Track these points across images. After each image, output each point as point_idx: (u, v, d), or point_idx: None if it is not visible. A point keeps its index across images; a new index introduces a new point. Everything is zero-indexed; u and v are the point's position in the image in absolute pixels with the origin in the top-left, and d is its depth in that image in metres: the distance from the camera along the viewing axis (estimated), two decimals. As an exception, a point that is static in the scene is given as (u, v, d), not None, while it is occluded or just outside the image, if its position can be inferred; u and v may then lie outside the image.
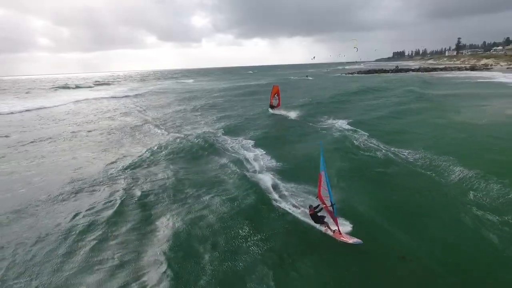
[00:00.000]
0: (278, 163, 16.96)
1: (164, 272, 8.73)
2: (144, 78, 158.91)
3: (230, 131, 25.37)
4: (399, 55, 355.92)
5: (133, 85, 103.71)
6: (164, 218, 11.73)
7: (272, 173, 15.52)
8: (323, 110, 34.34)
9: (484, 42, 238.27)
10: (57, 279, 8.74)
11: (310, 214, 10.30)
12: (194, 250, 9.70)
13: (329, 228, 10.06)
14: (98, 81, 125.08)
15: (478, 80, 65.20)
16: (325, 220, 10.21)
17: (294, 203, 12.26)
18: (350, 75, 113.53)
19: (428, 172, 14.75)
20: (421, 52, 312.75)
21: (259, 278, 8.42)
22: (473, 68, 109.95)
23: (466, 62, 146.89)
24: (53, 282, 8.62)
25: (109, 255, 9.63)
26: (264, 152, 18.96)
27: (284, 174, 15.33)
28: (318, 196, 10.33)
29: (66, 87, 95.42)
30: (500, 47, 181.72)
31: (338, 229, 9.75)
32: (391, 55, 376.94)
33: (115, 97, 61.94)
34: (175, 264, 9.02)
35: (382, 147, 18.93)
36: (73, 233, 10.93)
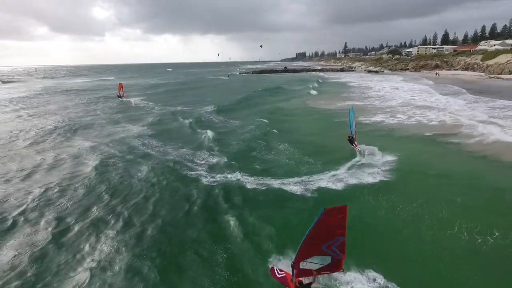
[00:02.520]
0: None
1: None
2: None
3: None
4: (301, 56, 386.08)
5: None
6: None
7: None
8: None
9: (366, 47, 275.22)
10: None
11: None
12: None
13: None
14: None
15: (331, 81, 75.15)
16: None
17: None
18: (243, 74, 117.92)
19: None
20: (319, 53, 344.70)
21: None
22: (342, 70, 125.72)
23: (345, 64, 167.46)
24: None
25: None
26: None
27: None
28: None
29: None
30: (373, 52, 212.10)
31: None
32: (294, 55, 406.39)
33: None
34: None
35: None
36: None
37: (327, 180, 14.37)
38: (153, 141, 22.33)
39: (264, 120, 28.54)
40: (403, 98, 40.39)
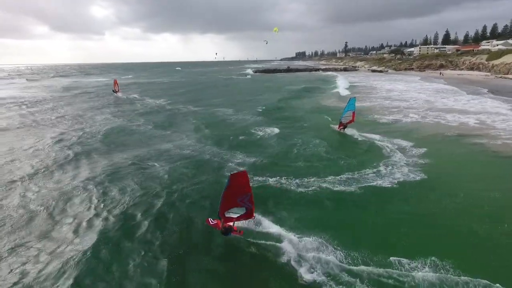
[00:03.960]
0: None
1: None
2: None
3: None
4: (301, 55, 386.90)
5: None
6: None
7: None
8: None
9: (366, 47, 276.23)
10: None
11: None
12: None
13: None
14: None
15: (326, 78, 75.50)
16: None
17: None
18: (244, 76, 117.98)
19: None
20: (319, 53, 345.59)
21: None
22: (345, 69, 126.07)
23: (346, 64, 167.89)
24: None
25: None
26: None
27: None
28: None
29: None
30: (374, 52, 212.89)
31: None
32: (294, 55, 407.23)
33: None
34: None
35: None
36: None
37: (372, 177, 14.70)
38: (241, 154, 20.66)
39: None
40: (432, 99, 38.58)
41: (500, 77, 65.57)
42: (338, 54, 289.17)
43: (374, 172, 15.16)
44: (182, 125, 27.87)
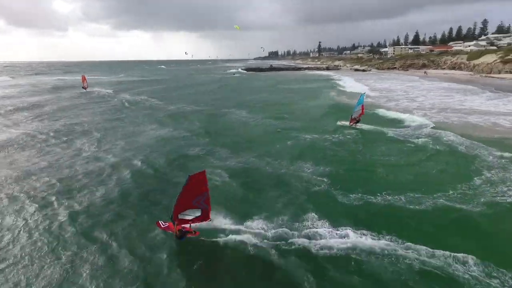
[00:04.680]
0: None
1: None
2: None
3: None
4: (274, 55, 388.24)
5: None
6: None
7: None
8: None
9: (338, 46, 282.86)
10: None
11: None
12: None
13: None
14: None
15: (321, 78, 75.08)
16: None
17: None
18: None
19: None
20: (291, 52, 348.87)
21: None
22: (328, 68, 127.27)
23: (325, 63, 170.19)
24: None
25: None
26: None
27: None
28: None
29: None
30: (348, 51, 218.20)
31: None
32: (267, 54, 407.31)
33: None
34: None
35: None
36: None
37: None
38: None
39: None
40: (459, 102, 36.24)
41: (485, 76, 68.65)
42: (311, 53, 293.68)
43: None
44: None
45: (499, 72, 69.74)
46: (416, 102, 36.87)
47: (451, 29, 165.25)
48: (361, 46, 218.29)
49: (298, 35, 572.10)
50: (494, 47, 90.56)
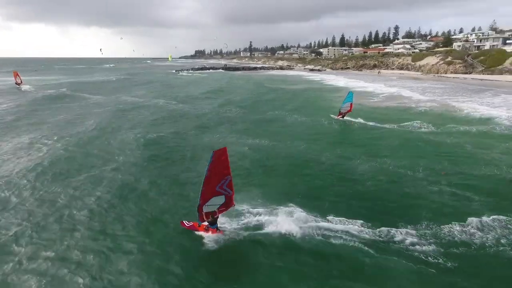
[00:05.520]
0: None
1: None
2: None
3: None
4: (200, 53, 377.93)
5: None
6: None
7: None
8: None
9: (266, 46, 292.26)
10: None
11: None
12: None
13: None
14: None
15: (305, 78, 76.73)
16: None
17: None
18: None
19: None
20: (218, 51, 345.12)
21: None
22: (281, 68, 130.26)
23: (267, 63, 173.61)
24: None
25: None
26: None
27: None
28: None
29: None
30: (281, 52, 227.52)
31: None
32: (193, 52, 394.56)
33: None
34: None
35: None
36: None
37: None
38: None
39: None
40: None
41: (439, 76, 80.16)
42: (241, 53, 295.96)
43: None
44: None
45: (445, 72, 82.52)
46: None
47: (370, 33, 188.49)
48: (294, 47, 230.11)
49: (223, 35, 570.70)
50: (426, 50, 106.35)
